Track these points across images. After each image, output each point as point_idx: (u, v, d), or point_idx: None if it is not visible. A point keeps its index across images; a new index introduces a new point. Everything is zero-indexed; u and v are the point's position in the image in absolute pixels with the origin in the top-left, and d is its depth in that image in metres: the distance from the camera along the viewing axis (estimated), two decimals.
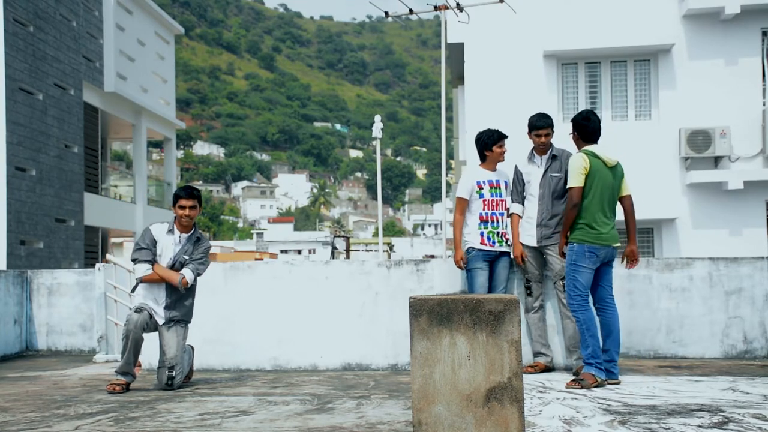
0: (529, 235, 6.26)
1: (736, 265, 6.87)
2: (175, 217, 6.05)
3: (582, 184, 5.59)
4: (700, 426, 4.02)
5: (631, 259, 5.85)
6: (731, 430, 3.93)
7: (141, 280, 5.94)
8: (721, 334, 6.82)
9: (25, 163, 17.83)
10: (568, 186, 5.68)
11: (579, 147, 5.81)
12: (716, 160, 12.57)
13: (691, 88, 12.56)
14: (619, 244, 5.69)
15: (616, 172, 5.71)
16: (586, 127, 5.75)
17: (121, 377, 5.81)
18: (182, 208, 5.99)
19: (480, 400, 3.33)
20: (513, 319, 3.37)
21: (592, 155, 5.63)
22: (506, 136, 6.47)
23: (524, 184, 6.34)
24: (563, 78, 13.10)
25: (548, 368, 6.33)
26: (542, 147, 6.26)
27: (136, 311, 5.85)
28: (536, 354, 6.38)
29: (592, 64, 13.02)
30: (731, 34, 12.53)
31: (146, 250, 5.94)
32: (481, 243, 6.30)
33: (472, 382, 3.34)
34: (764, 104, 12.58)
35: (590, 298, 5.68)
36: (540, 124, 6.23)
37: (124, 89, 23.55)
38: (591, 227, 5.57)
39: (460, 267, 6.32)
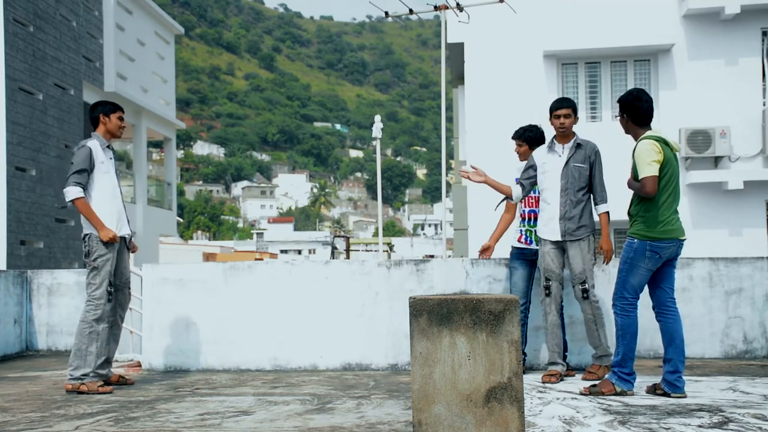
0: (551, 230, 5.83)
1: (736, 265, 6.87)
2: (96, 130, 5.91)
3: (658, 174, 4.89)
4: (700, 426, 4.02)
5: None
6: (731, 430, 3.93)
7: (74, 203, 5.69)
8: (721, 334, 6.82)
9: (25, 163, 17.83)
10: (641, 176, 4.92)
11: (628, 131, 5.18)
12: (716, 160, 12.57)
13: (691, 88, 12.56)
14: (686, 237, 5.09)
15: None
16: (639, 108, 5.05)
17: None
18: (122, 119, 6.00)
19: (480, 400, 3.33)
20: (513, 319, 3.37)
21: (662, 142, 4.96)
22: (519, 135, 6.44)
23: (535, 173, 5.94)
24: (563, 78, 13.10)
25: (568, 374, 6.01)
26: (562, 130, 5.82)
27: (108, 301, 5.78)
28: (551, 363, 5.89)
29: (592, 64, 13.02)
30: (731, 34, 12.53)
31: (85, 173, 5.74)
32: (518, 240, 6.35)
33: (472, 382, 3.34)
34: (764, 104, 12.58)
35: (638, 301, 5.09)
36: (557, 105, 5.86)
37: (124, 89, 23.54)
38: (657, 221, 4.93)
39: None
